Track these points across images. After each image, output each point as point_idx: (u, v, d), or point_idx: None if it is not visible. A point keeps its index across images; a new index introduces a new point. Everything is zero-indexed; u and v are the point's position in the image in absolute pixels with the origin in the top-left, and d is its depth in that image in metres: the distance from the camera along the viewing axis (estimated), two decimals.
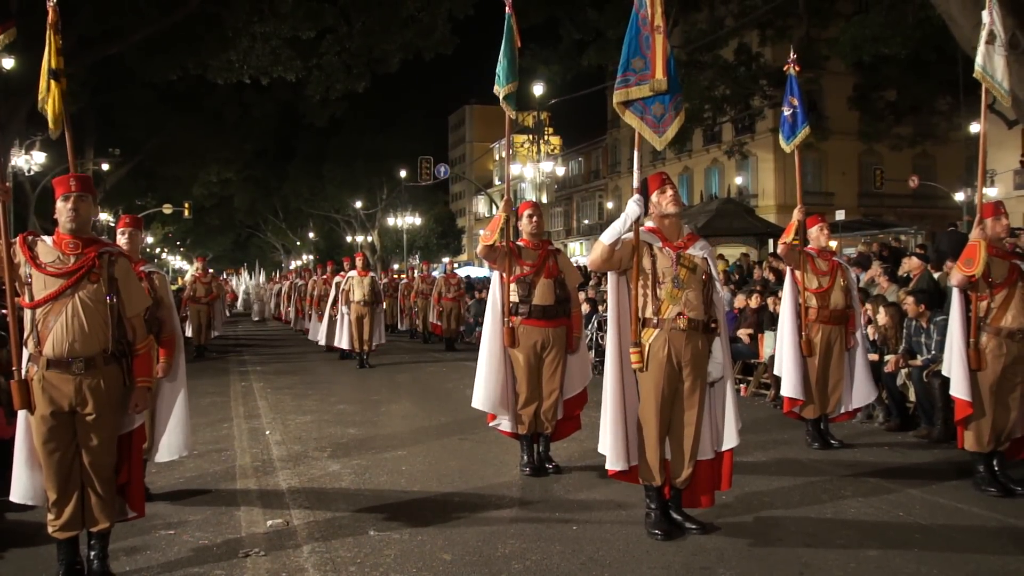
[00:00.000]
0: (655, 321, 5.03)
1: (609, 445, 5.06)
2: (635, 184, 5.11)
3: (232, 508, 5.88)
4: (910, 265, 11.52)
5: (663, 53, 5.00)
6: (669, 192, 5.16)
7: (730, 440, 5.16)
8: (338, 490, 6.37)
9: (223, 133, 38.57)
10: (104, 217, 35.79)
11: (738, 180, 42.80)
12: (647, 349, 5.02)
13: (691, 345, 5.02)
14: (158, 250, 67.07)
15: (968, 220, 25.77)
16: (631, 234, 5.04)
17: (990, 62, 6.34)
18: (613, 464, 5.07)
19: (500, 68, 6.77)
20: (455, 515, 5.62)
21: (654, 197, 5.16)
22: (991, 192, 31.46)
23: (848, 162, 40.72)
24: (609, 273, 5.22)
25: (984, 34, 6.35)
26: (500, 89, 6.78)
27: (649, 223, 5.23)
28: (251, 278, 38.19)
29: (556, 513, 5.64)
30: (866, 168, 40.49)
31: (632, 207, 4.95)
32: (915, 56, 21.71)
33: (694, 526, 5.13)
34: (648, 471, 5.08)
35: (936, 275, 11.15)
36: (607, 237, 4.99)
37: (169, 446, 5.92)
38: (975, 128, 30.65)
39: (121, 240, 5.78)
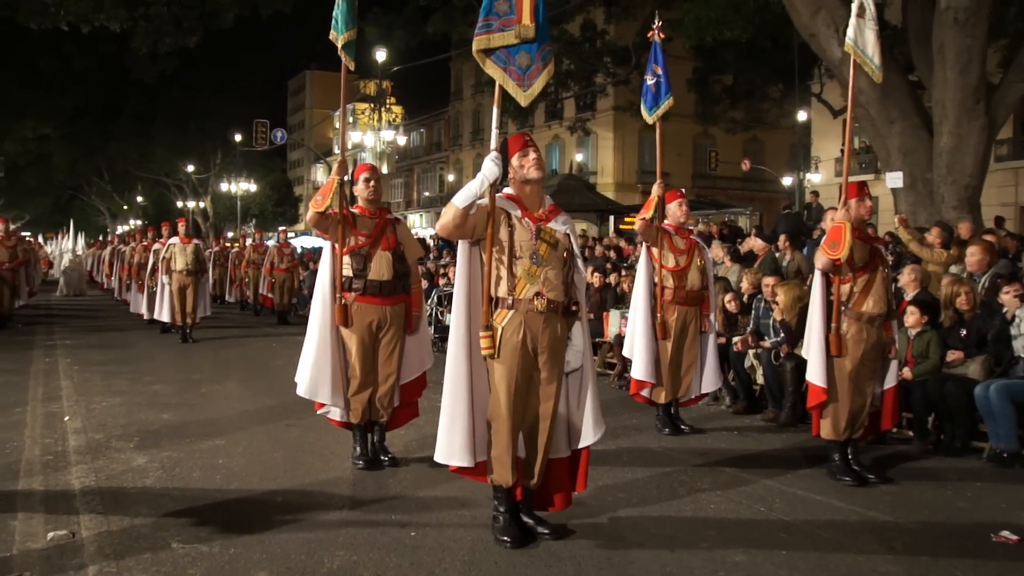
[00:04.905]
0: (510, 301, 4.42)
1: (452, 438, 4.40)
2: (493, 145, 4.46)
3: (6, 516, 4.91)
4: (754, 245, 11.52)
5: None
6: (532, 155, 4.53)
7: (588, 437, 4.62)
8: (141, 490, 5.51)
9: (39, 85, 35.53)
10: None
11: (578, 157, 43.13)
12: (499, 333, 4.41)
13: (549, 329, 4.44)
14: None
15: (792, 203, 26.79)
16: (487, 200, 4.43)
17: (861, 36, 6.08)
18: (459, 460, 4.42)
19: (338, 12, 6.04)
20: (277, 519, 4.90)
21: (515, 160, 4.53)
22: (815, 178, 32.84)
23: (683, 143, 41.66)
24: (460, 243, 4.57)
25: (855, 7, 6.09)
26: (338, 36, 6.05)
27: (508, 189, 4.61)
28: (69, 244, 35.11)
29: (392, 515, 5.01)
30: (700, 150, 41.81)
31: (489, 165, 4.30)
32: (752, 42, 22.14)
33: (546, 531, 4.58)
34: (500, 471, 4.46)
35: (777, 255, 11.20)
36: (460, 200, 4.32)
37: None
38: (802, 116, 32.02)
39: None
